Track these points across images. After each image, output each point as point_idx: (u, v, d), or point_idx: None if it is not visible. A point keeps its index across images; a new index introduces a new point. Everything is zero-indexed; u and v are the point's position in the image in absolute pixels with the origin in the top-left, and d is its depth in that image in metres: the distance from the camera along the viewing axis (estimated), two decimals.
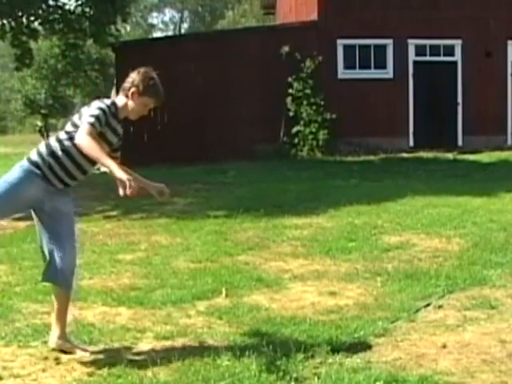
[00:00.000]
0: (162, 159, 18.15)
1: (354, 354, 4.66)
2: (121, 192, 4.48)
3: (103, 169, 4.81)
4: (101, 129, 4.52)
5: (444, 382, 4.23)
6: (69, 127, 4.65)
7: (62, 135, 4.65)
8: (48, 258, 4.73)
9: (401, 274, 6.73)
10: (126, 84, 4.72)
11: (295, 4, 24.51)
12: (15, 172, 4.64)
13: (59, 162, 4.61)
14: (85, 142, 4.39)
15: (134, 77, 4.72)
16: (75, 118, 4.64)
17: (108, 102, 4.67)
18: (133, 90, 4.68)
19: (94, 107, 4.56)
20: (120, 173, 4.34)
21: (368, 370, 4.37)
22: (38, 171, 4.60)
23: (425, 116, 20.49)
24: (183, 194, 13.00)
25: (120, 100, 4.74)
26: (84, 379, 4.36)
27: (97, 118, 4.48)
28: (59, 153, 4.60)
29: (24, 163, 4.66)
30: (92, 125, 4.44)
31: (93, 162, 4.62)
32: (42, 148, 4.67)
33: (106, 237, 9.06)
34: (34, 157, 4.64)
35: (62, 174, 4.64)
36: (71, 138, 4.56)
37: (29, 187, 4.62)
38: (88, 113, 4.52)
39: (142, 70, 4.78)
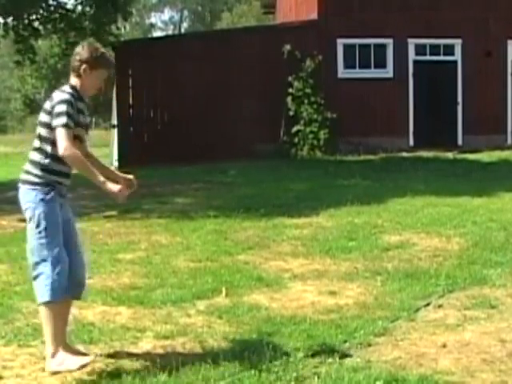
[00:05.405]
0: (162, 159, 18.13)
1: (354, 354, 4.66)
2: (119, 199, 4.60)
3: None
4: (74, 120, 4.42)
5: (444, 381, 4.23)
6: (43, 117, 4.53)
7: (39, 143, 4.53)
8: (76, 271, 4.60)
9: (401, 273, 6.73)
10: (75, 63, 4.59)
11: (295, 3, 24.49)
12: (33, 207, 4.45)
13: (53, 171, 4.50)
14: (70, 157, 4.34)
15: (80, 53, 4.60)
16: (46, 104, 4.53)
17: (68, 88, 4.55)
18: (84, 66, 4.57)
19: (60, 101, 4.44)
20: (111, 187, 4.48)
21: (368, 369, 4.37)
22: (46, 188, 4.48)
23: (425, 115, 20.47)
24: (183, 193, 13.01)
25: (75, 81, 4.61)
26: (84, 379, 4.37)
27: (67, 114, 4.38)
28: (47, 161, 4.49)
29: (28, 188, 4.49)
30: (66, 126, 4.35)
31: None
32: (30, 167, 4.53)
33: (106, 236, 9.05)
34: (33, 178, 4.49)
35: (61, 179, 4.57)
36: (52, 143, 4.45)
37: (55, 208, 4.51)
38: (56, 111, 4.40)
39: (85, 44, 4.68)
